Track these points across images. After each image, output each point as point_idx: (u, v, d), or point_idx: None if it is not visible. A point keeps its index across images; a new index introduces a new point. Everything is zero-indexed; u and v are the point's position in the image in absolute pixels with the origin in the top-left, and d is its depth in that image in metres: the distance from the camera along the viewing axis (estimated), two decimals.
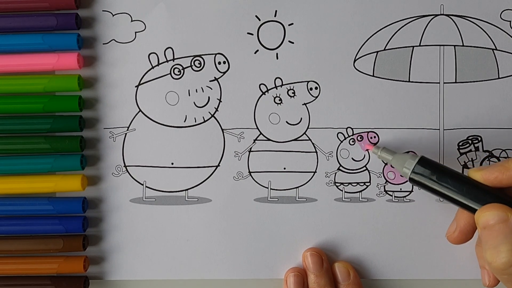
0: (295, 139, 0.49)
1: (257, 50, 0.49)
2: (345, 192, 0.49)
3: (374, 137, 0.49)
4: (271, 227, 0.49)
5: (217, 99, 0.49)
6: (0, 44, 0.47)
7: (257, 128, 0.49)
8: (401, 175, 0.49)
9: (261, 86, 0.49)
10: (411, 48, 0.49)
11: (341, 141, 0.49)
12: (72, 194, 0.49)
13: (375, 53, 0.49)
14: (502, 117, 0.49)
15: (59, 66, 0.48)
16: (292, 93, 0.49)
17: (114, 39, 0.49)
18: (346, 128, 0.49)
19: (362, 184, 0.49)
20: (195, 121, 0.49)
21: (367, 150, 0.49)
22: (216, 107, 0.49)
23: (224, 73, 0.49)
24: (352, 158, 0.49)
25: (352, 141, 0.49)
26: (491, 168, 0.43)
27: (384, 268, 0.50)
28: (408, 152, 0.49)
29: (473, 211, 0.43)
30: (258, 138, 0.49)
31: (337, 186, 0.49)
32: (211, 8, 0.49)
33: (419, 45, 0.49)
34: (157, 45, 0.49)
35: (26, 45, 0.47)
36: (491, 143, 0.49)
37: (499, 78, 0.49)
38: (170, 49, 0.49)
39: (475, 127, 0.49)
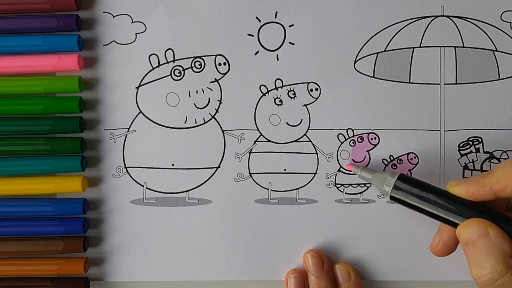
0: (296, 140, 0.49)
1: (258, 51, 0.49)
2: (345, 193, 0.49)
3: (375, 138, 0.49)
4: (271, 228, 0.49)
5: (218, 100, 0.49)
6: (0, 46, 0.48)
7: (258, 129, 0.49)
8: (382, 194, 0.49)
9: (262, 87, 0.49)
10: (412, 49, 0.49)
11: (342, 142, 0.49)
12: (73, 195, 0.49)
13: (376, 54, 0.49)
14: (503, 118, 0.49)
15: (60, 67, 0.48)
16: (293, 94, 0.49)
17: (114, 41, 0.49)
18: (347, 130, 0.49)
19: (362, 185, 0.49)
20: (196, 122, 0.49)
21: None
22: (216, 108, 0.49)
23: (224, 74, 0.49)
24: (353, 159, 0.49)
25: (353, 143, 0.49)
26: (468, 183, 0.43)
27: (384, 269, 0.49)
28: (407, 153, 0.49)
29: (455, 225, 0.43)
30: (258, 139, 0.49)
31: (337, 188, 0.49)
32: (212, 9, 0.49)
33: (420, 46, 0.49)
34: (157, 46, 0.49)
35: (27, 47, 0.47)
36: (492, 144, 0.49)
37: (499, 79, 0.49)
38: (170, 50, 0.49)
39: (476, 128, 0.49)
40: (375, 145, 0.49)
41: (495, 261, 0.39)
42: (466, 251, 0.41)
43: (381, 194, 0.49)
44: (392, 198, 0.45)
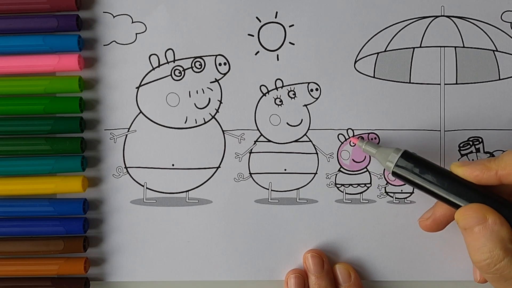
0: (296, 141, 0.49)
1: (258, 52, 0.49)
2: (345, 193, 0.49)
3: (375, 138, 0.49)
4: (271, 228, 0.49)
5: (218, 100, 0.49)
6: (1, 46, 0.48)
7: (258, 129, 0.49)
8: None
9: (262, 87, 0.49)
10: (412, 49, 0.49)
11: (342, 143, 0.49)
12: (73, 195, 0.49)
13: (376, 55, 0.49)
14: (503, 118, 0.49)
15: (60, 67, 0.48)
16: (293, 94, 0.49)
17: (114, 41, 0.49)
18: (347, 130, 0.49)
19: (363, 185, 0.49)
20: (196, 123, 0.49)
21: (353, 143, 0.49)
22: (216, 109, 0.49)
23: (224, 74, 0.49)
24: (353, 160, 0.49)
25: (353, 143, 0.49)
26: (473, 165, 0.43)
27: (385, 269, 0.49)
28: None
29: (454, 205, 0.43)
30: (258, 140, 0.49)
31: (337, 188, 0.49)
32: (212, 9, 0.49)
33: (420, 47, 0.49)
34: (157, 46, 0.49)
35: (27, 47, 0.47)
36: (492, 144, 0.49)
37: (499, 79, 0.49)
38: (170, 50, 0.49)
39: (476, 128, 0.49)
40: None
41: (493, 247, 0.40)
42: (464, 236, 0.41)
43: (381, 194, 0.49)
44: (394, 174, 0.45)
